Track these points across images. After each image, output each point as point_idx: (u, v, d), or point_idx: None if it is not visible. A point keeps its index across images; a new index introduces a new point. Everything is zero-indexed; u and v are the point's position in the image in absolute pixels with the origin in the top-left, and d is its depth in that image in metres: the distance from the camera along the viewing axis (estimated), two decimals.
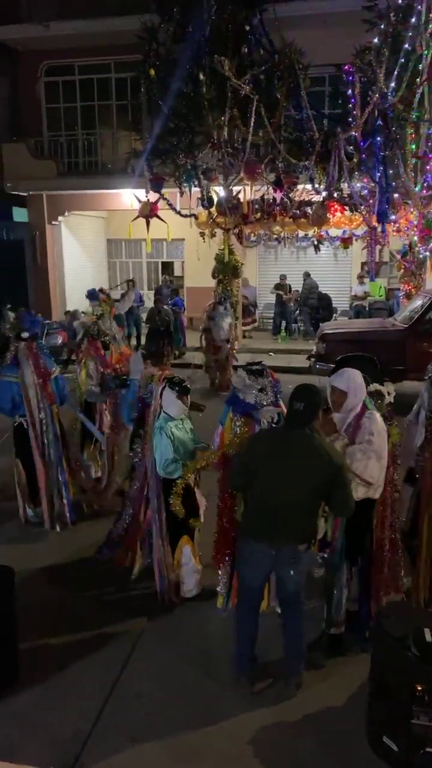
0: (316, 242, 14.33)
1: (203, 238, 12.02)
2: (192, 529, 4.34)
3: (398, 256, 12.42)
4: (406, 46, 8.90)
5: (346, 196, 10.53)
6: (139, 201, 10.43)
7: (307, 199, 11.41)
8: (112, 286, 14.04)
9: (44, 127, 16.62)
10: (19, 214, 16.34)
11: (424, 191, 9.64)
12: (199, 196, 10.98)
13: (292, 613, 3.54)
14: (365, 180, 10.01)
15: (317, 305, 15.96)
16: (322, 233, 13.76)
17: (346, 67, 9.31)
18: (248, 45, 10.91)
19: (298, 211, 11.53)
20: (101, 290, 7.71)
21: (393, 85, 9.05)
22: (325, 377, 9.69)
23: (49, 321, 13.55)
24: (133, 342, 13.95)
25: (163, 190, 10.79)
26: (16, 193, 16.00)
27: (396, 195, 9.84)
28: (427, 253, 11.14)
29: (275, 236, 14.51)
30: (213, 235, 12.21)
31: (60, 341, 13.43)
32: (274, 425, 3.80)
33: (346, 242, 14.22)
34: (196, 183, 10.84)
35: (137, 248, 18.73)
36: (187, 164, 10.74)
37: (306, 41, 10.48)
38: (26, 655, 3.75)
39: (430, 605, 4.04)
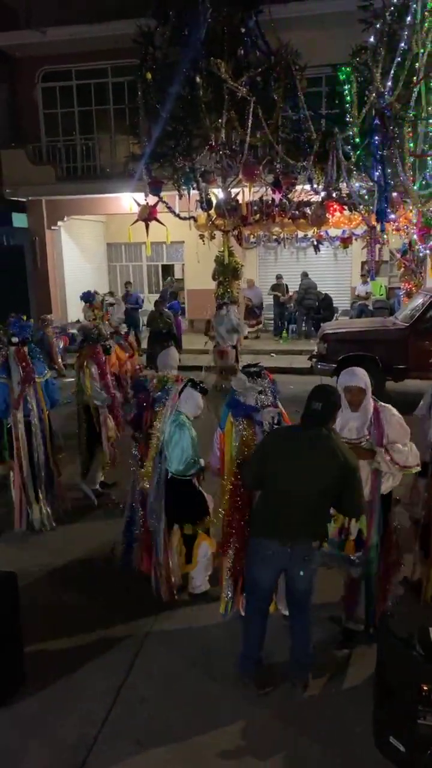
0: (315, 242, 14.35)
1: (203, 241, 12.02)
2: (207, 528, 4.40)
3: (398, 255, 12.44)
4: (402, 45, 8.90)
5: (344, 195, 10.52)
6: (138, 204, 10.43)
7: (305, 199, 11.40)
8: (104, 295, 14.09)
9: (42, 132, 16.67)
10: (19, 220, 16.38)
11: (422, 190, 9.63)
12: (198, 198, 10.97)
13: (300, 614, 3.52)
14: (363, 179, 10.01)
15: (315, 305, 15.97)
16: (322, 233, 13.78)
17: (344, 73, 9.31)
18: (244, 47, 10.90)
19: (297, 212, 11.52)
20: (96, 293, 7.77)
21: (390, 84, 9.04)
22: (327, 377, 9.73)
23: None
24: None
25: (162, 193, 10.78)
26: (16, 198, 16.04)
27: (395, 194, 9.83)
28: (427, 252, 11.14)
29: (275, 237, 14.56)
30: (212, 237, 12.20)
31: (61, 345, 13.46)
32: (275, 425, 3.81)
33: (345, 242, 14.25)
34: (195, 185, 10.83)
35: (137, 251, 18.76)
36: (186, 167, 10.73)
37: (302, 42, 10.49)
38: (31, 660, 3.75)
39: None
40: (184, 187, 11.00)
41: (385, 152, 8.89)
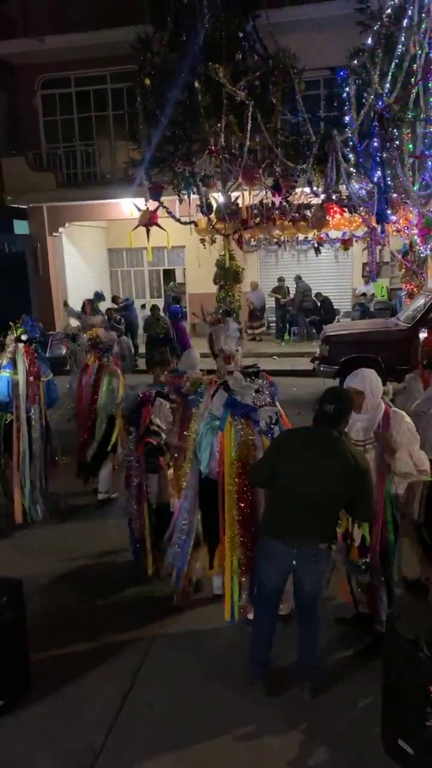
0: (316, 245, 14.36)
1: (203, 245, 12.04)
2: None
3: (399, 256, 12.42)
4: (400, 46, 8.91)
5: (344, 198, 10.53)
6: (139, 210, 10.46)
7: (305, 202, 11.42)
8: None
9: (42, 139, 16.74)
10: (20, 227, 16.42)
11: (422, 191, 9.62)
12: (198, 202, 11.00)
13: (308, 617, 3.51)
14: (363, 181, 10.01)
15: (312, 308, 15.98)
16: (322, 235, 13.78)
17: (341, 73, 9.32)
18: (242, 51, 10.94)
19: (297, 215, 11.54)
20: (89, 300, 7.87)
21: (388, 85, 9.05)
22: (330, 379, 9.72)
23: (52, 332, 13.62)
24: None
25: (162, 198, 10.81)
26: (17, 205, 16.09)
27: (395, 195, 9.83)
28: (428, 252, 11.13)
29: (275, 240, 14.55)
30: (213, 241, 12.22)
31: (63, 351, 13.47)
32: (273, 425, 3.83)
33: (346, 244, 14.24)
34: (195, 190, 10.86)
35: (138, 257, 18.79)
36: (185, 172, 10.76)
37: (300, 45, 10.52)
38: (37, 666, 3.74)
39: None
40: (184, 192, 11.03)
41: (385, 154, 8.90)
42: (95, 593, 4.72)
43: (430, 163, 9.39)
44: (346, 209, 11.09)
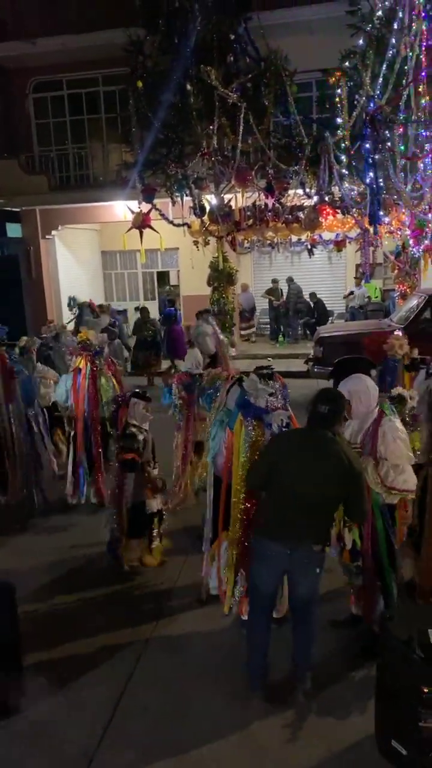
0: (309, 246, 14.37)
1: (197, 247, 12.04)
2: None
3: (392, 257, 12.45)
4: (392, 51, 8.94)
5: (337, 199, 10.56)
6: (132, 212, 10.46)
7: (298, 203, 11.44)
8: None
9: (35, 142, 16.71)
10: (13, 230, 16.38)
11: (414, 191, 9.66)
12: (191, 205, 11.01)
13: (303, 619, 3.49)
14: (355, 183, 10.04)
15: (306, 309, 15.99)
16: (315, 237, 13.80)
17: (335, 76, 9.35)
18: (234, 54, 10.95)
19: (290, 216, 11.55)
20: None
21: (379, 87, 9.08)
22: (324, 380, 9.74)
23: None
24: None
25: (155, 201, 10.80)
26: (9, 208, 16.05)
27: (387, 196, 9.87)
28: (421, 253, 11.17)
29: (268, 242, 14.56)
30: (206, 243, 12.23)
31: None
32: (284, 428, 3.80)
33: (339, 245, 14.26)
34: (188, 192, 10.86)
35: (132, 259, 18.76)
36: (178, 174, 10.76)
37: (291, 48, 10.52)
38: (30, 670, 3.73)
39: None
40: (177, 194, 11.03)
41: (377, 156, 8.92)
42: (88, 595, 4.71)
43: (421, 164, 9.43)
44: (339, 211, 11.12)
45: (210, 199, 11.40)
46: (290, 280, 16.23)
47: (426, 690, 2.81)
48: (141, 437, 4.80)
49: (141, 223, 10.24)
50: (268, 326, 17.11)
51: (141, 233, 10.35)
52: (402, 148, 9.09)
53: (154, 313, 16.10)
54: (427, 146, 9.18)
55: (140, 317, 13.14)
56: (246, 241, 14.19)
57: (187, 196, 10.91)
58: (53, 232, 16.54)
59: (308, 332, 15.74)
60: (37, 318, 15.71)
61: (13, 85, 16.38)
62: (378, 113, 8.79)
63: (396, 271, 12.60)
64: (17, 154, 15.97)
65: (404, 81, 8.95)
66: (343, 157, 9.29)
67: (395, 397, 3.88)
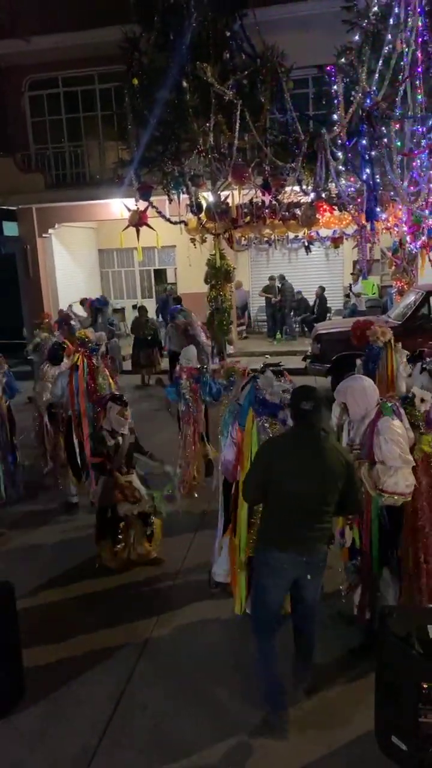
0: (306, 243, 14.36)
1: (194, 244, 12.03)
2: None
3: (389, 254, 12.44)
4: (389, 46, 8.93)
5: (334, 196, 10.55)
6: (129, 210, 10.44)
7: (295, 200, 11.43)
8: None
9: (30, 140, 16.64)
10: (10, 228, 16.33)
11: (411, 187, 9.66)
12: (188, 202, 10.99)
13: (308, 619, 3.45)
14: (352, 179, 10.03)
15: (302, 306, 16.00)
16: (313, 234, 13.79)
17: (328, 68, 9.33)
18: (230, 50, 10.94)
19: (287, 213, 11.55)
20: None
21: (375, 83, 9.07)
22: (321, 377, 9.73)
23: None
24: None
25: (152, 198, 10.79)
26: (5, 207, 16.00)
27: (384, 192, 9.86)
28: (418, 249, 11.17)
29: (266, 239, 14.55)
30: (203, 241, 12.22)
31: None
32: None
33: (336, 242, 14.26)
34: (185, 190, 10.85)
35: (129, 257, 18.75)
36: (175, 171, 10.75)
37: (287, 44, 10.50)
38: (30, 670, 3.72)
39: None
40: (173, 192, 11.02)
41: (373, 152, 8.92)
42: (88, 594, 4.71)
43: (418, 160, 9.43)
44: (335, 207, 11.11)
45: (207, 197, 11.39)
46: (281, 278, 16.15)
47: (426, 686, 2.81)
48: (111, 442, 4.78)
49: (138, 220, 10.23)
50: (266, 323, 17.09)
51: (138, 231, 10.33)
52: (398, 144, 9.09)
53: (152, 311, 16.02)
54: (423, 142, 9.18)
55: (138, 316, 13.10)
56: (243, 239, 14.18)
57: (183, 193, 10.89)
58: (50, 231, 16.50)
59: (306, 329, 15.73)
60: (34, 316, 15.65)
61: (8, 83, 16.31)
62: (374, 109, 8.78)
63: (393, 268, 12.59)
64: (13, 153, 15.92)
65: (400, 77, 8.94)
66: (340, 154, 9.27)
67: (408, 398, 3.79)
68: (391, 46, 8.97)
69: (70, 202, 15.79)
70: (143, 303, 15.81)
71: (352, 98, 9.19)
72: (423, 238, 10.69)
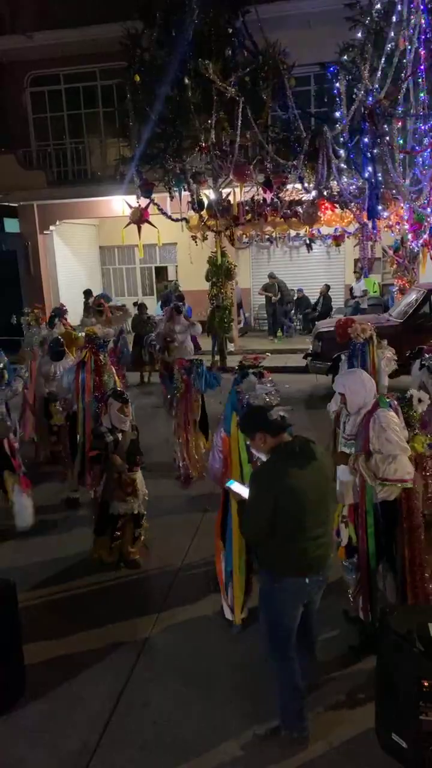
0: (308, 241, 14.36)
1: (195, 242, 12.02)
2: None
3: (390, 252, 12.44)
4: (391, 44, 8.90)
5: (335, 194, 10.53)
6: (130, 207, 10.43)
7: (297, 198, 11.41)
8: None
9: (32, 137, 16.65)
10: (11, 225, 16.35)
11: (413, 186, 9.64)
12: (190, 199, 10.98)
13: (312, 617, 3.37)
14: (354, 177, 10.02)
15: (299, 304, 16.02)
16: (314, 232, 13.79)
17: (331, 66, 9.32)
18: (232, 47, 10.90)
19: (288, 211, 11.54)
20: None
21: (378, 81, 9.05)
22: (322, 375, 9.73)
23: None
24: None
25: (153, 195, 10.78)
26: (7, 204, 16.00)
27: (385, 190, 9.85)
28: (420, 247, 11.16)
29: (267, 237, 14.54)
30: (205, 238, 12.21)
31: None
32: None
33: (337, 240, 14.26)
34: (186, 187, 10.83)
35: (130, 254, 18.74)
36: (176, 168, 10.73)
37: (290, 41, 10.48)
38: (31, 667, 3.73)
39: None
40: (175, 189, 11.00)
41: (375, 150, 8.90)
42: (89, 591, 4.71)
43: (420, 158, 9.40)
44: (337, 205, 11.10)
45: (208, 194, 11.37)
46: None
47: (426, 683, 2.81)
48: (110, 438, 4.77)
49: (139, 218, 10.23)
50: (266, 321, 17.07)
51: (139, 228, 10.34)
52: (401, 141, 9.07)
53: (152, 309, 16.01)
54: (425, 140, 9.16)
55: (138, 313, 13.09)
56: (244, 236, 14.18)
57: (185, 190, 10.88)
58: (51, 228, 16.51)
59: (311, 326, 15.69)
60: None
61: (9, 80, 16.31)
62: (377, 107, 8.76)
63: (395, 266, 12.59)
64: (14, 149, 15.93)
65: (403, 74, 8.91)
66: (342, 152, 9.26)
67: (406, 398, 3.79)
68: (393, 43, 8.94)
69: (72, 198, 15.80)
70: (144, 301, 15.80)
71: (354, 96, 9.17)
72: (425, 236, 10.67)
